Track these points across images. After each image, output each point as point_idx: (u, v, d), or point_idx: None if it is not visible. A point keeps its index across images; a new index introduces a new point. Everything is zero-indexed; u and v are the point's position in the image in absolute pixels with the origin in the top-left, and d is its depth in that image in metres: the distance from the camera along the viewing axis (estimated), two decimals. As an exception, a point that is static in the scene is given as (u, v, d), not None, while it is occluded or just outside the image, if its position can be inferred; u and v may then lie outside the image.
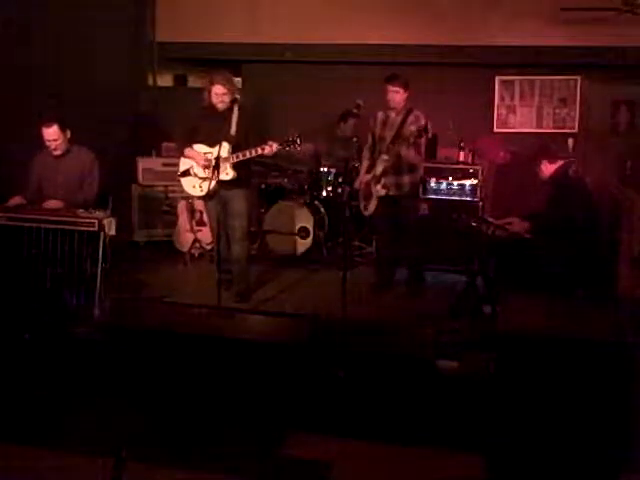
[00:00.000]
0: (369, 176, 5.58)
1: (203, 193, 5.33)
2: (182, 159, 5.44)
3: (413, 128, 5.37)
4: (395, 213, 5.60)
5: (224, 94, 5.19)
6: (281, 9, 7.65)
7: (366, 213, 5.69)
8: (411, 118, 5.46)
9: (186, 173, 5.40)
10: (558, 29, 6.88)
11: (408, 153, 5.46)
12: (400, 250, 5.78)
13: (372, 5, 7.36)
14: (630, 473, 3.29)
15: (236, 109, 5.22)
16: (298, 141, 5.09)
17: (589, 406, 3.44)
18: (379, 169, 5.48)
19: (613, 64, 6.96)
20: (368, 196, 5.61)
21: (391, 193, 5.51)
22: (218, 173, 4.95)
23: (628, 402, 3.45)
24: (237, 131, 5.20)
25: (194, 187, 5.37)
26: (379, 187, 5.50)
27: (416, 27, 7.29)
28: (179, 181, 5.51)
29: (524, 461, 3.39)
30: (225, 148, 5.12)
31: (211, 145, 5.21)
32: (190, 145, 5.34)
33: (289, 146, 5.15)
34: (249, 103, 5.92)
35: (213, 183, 5.12)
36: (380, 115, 5.63)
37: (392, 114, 5.55)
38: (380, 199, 5.52)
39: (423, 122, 5.38)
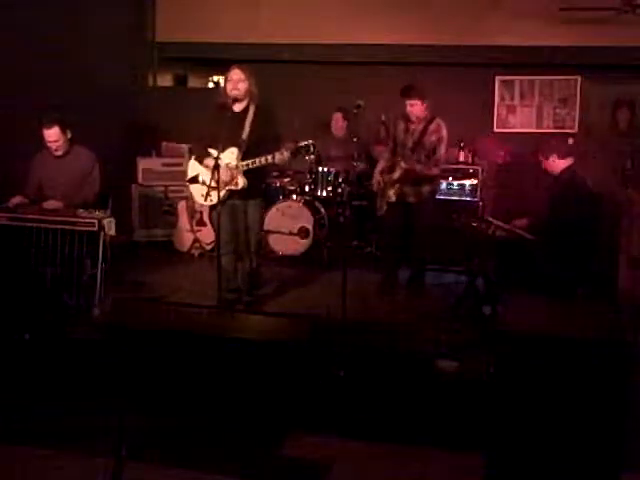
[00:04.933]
0: (386, 178, 5.52)
1: (212, 203, 4.90)
2: (190, 163, 5.13)
3: (434, 138, 5.36)
4: (409, 218, 5.55)
5: (240, 80, 4.82)
6: (280, 9, 7.66)
7: (379, 213, 5.66)
8: (432, 127, 5.40)
9: (194, 180, 5.06)
10: (558, 29, 6.89)
11: (425, 164, 5.39)
12: (408, 252, 5.75)
13: (371, 5, 7.36)
14: (630, 473, 3.29)
15: (252, 111, 4.88)
16: (311, 149, 4.87)
17: (589, 406, 3.44)
18: (396, 174, 5.43)
19: (613, 64, 6.97)
20: (382, 197, 5.57)
21: (410, 200, 5.46)
22: (218, 180, 4.66)
23: (628, 402, 3.44)
24: (250, 135, 4.85)
25: (202, 196, 4.97)
26: (391, 192, 5.46)
27: (416, 27, 7.29)
28: (188, 187, 5.22)
29: (524, 461, 3.39)
30: (234, 154, 4.83)
31: (221, 150, 4.77)
32: (199, 149, 5.00)
33: (302, 153, 4.89)
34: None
35: (222, 192, 4.78)
36: (401, 122, 5.55)
37: (413, 123, 5.49)
38: (390, 204, 5.49)
39: (444, 132, 5.36)
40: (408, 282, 5.78)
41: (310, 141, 4.85)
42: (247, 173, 4.87)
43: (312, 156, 4.84)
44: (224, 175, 4.80)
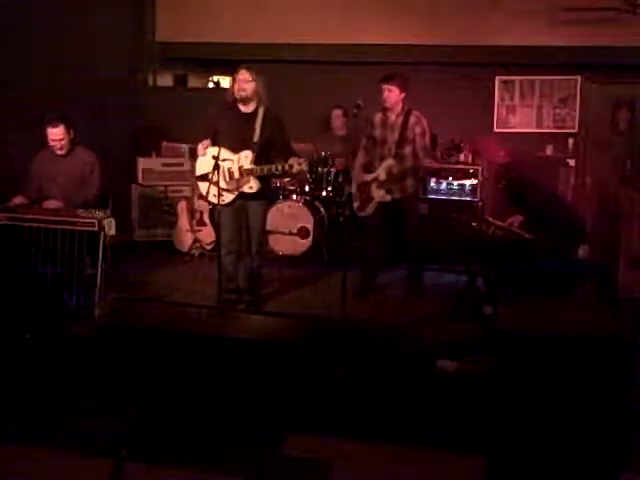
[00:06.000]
0: (369, 177, 5.48)
1: (222, 203, 4.86)
2: (199, 160, 5.02)
3: (417, 130, 5.35)
4: (397, 215, 5.52)
5: (247, 81, 4.81)
6: (280, 9, 7.65)
7: (362, 214, 5.57)
8: (412, 119, 5.38)
9: (204, 177, 4.95)
10: (558, 29, 6.88)
11: (421, 156, 5.38)
12: (398, 252, 5.73)
13: (372, 5, 7.36)
14: (630, 473, 3.29)
15: (261, 112, 4.88)
16: (330, 162, 4.84)
17: (589, 406, 3.44)
18: (383, 174, 5.39)
19: (613, 64, 6.96)
20: (367, 198, 5.50)
21: (396, 196, 5.43)
22: (218, 180, 4.67)
23: (628, 402, 3.45)
24: (261, 138, 4.85)
25: (213, 195, 4.87)
26: (383, 192, 5.41)
27: (416, 27, 7.29)
28: (196, 184, 5.17)
29: (524, 461, 3.39)
30: (248, 158, 4.82)
31: (232, 151, 4.83)
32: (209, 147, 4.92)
33: (319, 166, 4.83)
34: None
35: (235, 194, 4.81)
36: (378, 117, 5.52)
37: (391, 116, 5.45)
38: (380, 203, 5.44)
39: (425, 123, 5.37)
40: (407, 282, 5.76)
41: (328, 153, 4.82)
42: (258, 177, 4.87)
43: (329, 168, 4.80)
44: (238, 178, 4.83)
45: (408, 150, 5.38)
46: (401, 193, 5.44)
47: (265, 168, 4.80)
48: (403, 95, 5.40)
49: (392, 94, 5.37)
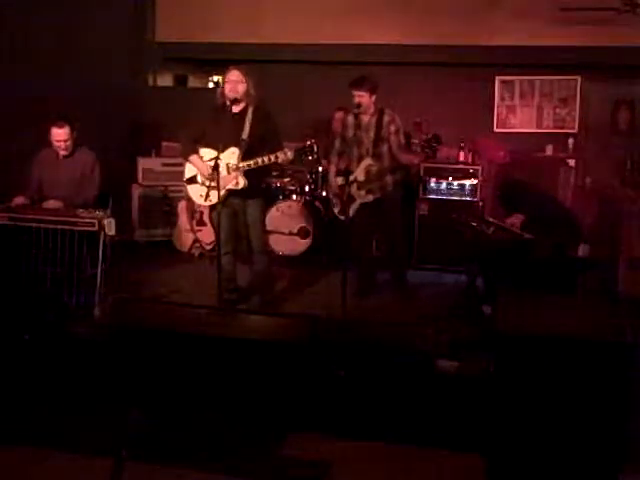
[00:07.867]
0: (348, 179, 5.33)
1: (211, 203, 4.92)
2: (187, 164, 5.07)
3: (392, 129, 5.35)
4: (380, 214, 5.51)
5: (239, 82, 4.79)
6: (281, 9, 7.66)
7: (343, 217, 5.46)
8: (386, 118, 5.38)
9: (192, 180, 5.03)
10: (558, 29, 6.88)
11: (398, 154, 5.38)
12: (386, 251, 5.73)
13: (371, 5, 7.36)
14: (630, 473, 3.29)
15: (250, 111, 4.86)
16: (314, 149, 4.82)
17: (589, 406, 3.44)
18: (362, 174, 5.39)
19: (613, 64, 6.96)
20: (348, 200, 5.36)
21: (377, 196, 5.43)
22: (218, 180, 4.64)
23: (628, 403, 3.44)
24: (250, 135, 4.83)
25: (201, 196, 4.96)
26: (364, 192, 5.40)
27: (416, 27, 7.29)
28: (185, 187, 5.17)
29: (524, 462, 3.39)
30: (234, 154, 4.81)
31: (220, 150, 4.77)
32: (197, 149, 4.95)
33: (305, 154, 4.85)
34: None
35: (222, 192, 4.75)
36: (349, 118, 5.52)
37: (364, 117, 5.44)
38: (362, 203, 5.43)
39: (399, 121, 5.39)
40: (393, 282, 5.74)
41: (313, 141, 4.84)
42: (247, 173, 4.86)
43: (315, 156, 4.83)
44: (224, 175, 4.80)
45: (385, 149, 5.39)
46: (382, 192, 5.44)
47: (251, 162, 4.80)
48: (374, 98, 5.40)
49: (363, 99, 5.36)
